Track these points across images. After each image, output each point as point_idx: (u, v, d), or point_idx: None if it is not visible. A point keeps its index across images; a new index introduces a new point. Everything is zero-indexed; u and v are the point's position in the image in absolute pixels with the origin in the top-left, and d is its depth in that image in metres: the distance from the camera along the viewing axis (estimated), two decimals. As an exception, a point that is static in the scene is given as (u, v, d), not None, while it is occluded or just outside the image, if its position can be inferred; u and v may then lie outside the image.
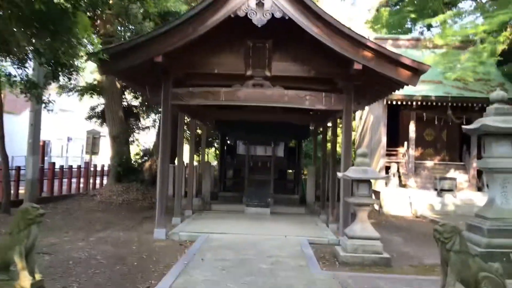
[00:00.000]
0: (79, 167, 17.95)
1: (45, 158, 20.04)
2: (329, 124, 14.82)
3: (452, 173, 17.04)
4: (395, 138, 17.59)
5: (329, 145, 13.57)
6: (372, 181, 7.78)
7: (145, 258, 7.30)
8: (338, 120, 12.50)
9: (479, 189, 16.43)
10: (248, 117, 13.48)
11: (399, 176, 16.70)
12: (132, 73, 9.42)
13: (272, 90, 9.37)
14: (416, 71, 8.43)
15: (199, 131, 19.07)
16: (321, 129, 14.60)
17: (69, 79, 9.47)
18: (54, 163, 16.65)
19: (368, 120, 19.72)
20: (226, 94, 9.34)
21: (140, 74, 9.59)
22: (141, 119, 19.64)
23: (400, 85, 9.01)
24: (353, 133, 23.41)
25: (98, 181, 19.29)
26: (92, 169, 18.23)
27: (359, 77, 9.17)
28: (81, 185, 17.72)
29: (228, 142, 18.46)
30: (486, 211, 7.21)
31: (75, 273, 6.21)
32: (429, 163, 17.54)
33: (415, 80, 8.52)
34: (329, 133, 14.86)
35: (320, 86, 9.91)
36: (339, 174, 7.98)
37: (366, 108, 18.30)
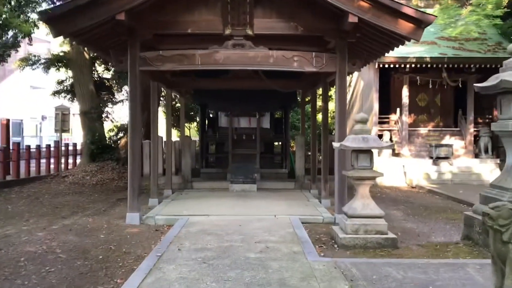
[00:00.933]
0: (48, 146, 16.67)
1: (13, 138, 18.71)
2: (319, 92, 13.84)
3: (447, 140, 16.26)
4: (387, 104, 16.66)
5: (319, 115, 12.57)
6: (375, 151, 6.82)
7: (113, 249, 6.29)
8: (330, 87, 11.47)
9: (476, 155, 15.71)
10: (229, 85, 12.31)
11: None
12: (92, 35, 8.17)
13: (255, 51, 8.24)
14: (420, 22, 7.38)
15: (178, 104, 17.88)
16: (309, 96, 13.55)
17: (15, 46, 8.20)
18: (18, 144, 15.38)
19: (358, 86, 18.71)
20: (203, 57, 8.20)
21: (102, 36, 8.35)
22: (115, 93, 18.32)
23: (400, 41, 7.96)
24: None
25: (71, 160, 18.08)
26: (63, 148, 16.99)
27: (354, 33, 8.12)
28: (52, 166, 16.52)
29: (210, 114, 17.30)
30: (504, 180, 6.33)
31: (25, 273, 5.18)
32: (423, 130, 16.71)
33: (419, 34, 7.48)
34: (319, 101, 13.84)
35: (310, 46, 8.80)
36: (335, 144, 6.99)
37: (355, 73, 17.30)
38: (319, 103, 14.90)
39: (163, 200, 10.55)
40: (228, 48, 8.28)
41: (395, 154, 15.75)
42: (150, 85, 10.81)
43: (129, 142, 8.50)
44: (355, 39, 8.32)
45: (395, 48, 8.59)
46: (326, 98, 10.96)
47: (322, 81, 10.53)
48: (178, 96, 15.27)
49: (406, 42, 8.06)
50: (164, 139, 13.27)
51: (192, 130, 26.45)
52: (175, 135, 19.11)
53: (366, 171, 6.44)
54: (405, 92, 15.92)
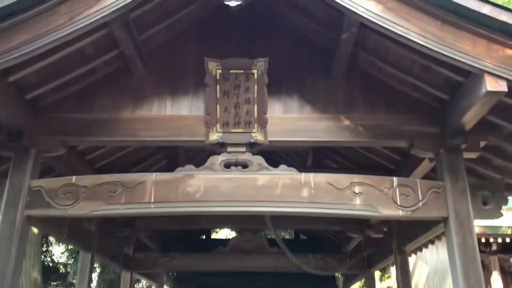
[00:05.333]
0: None
1: None
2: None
3: None
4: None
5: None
6: None
7: None
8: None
9: None
10: (225, 264, 7.73)
11: None
12: None
13: (271, 174, 4.08)
14: None
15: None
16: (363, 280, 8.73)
17: None
18: None
19: (418, 270, 13.82)
20: (161, 187, 4.01)
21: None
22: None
23: None
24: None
25: None
26: None
27: (481, 134, 4.06)
28: None
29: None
30: None
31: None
32: None
33: None
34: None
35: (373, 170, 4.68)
36: None
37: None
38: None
39: None
40: (214, 170, 4.14)
41: None
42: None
43: None
44: (478, 151, 4.20)
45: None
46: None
47: (398, 245, 5.96)
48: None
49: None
50: None
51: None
52: None
53: None
54: (496, 279, 10.98)
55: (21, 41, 3.43)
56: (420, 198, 3.97)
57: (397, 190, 4.00)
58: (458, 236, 3.85)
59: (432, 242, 6.50)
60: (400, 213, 3.95)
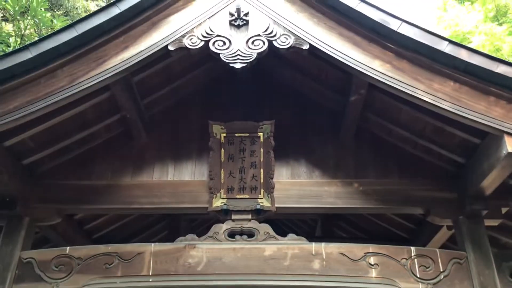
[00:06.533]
0: None
1: None
2: None
3: None
4: None
5: None
6: None
7: None
8: None
9: None
10: None
11: None
12: None
13: (278, 244, 3.82)
14: None
15: None
16: None
17: None
18: None
19: None
20: (159, 258, 3.73)
21: None
22: None
23: None
24: None
25: None
26: None
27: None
28: None
29: None
30: None
31: None
32: None
33: None
34: None
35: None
36: None
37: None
38: None
39: None
40: (218, 240, 3.88)
41: None
42: None
43: None
44: (500, 218, 3.95)
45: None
46: None
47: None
48: None
49: None
50: None
51: None
52: None
53: None
54: None
55: (19, 103, 3.36)
56: (441, 270, 3.67)
57: (416, 261, 3.70)
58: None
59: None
60: (420, 286, 3.63)
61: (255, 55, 3.57)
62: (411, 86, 3.36)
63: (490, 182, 3.56)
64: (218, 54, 3.60)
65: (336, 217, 6.18)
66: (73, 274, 3.72)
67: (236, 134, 4.12)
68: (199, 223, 6.79)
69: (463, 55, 3.33)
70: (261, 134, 4.10)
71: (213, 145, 4.12)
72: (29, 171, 4.11)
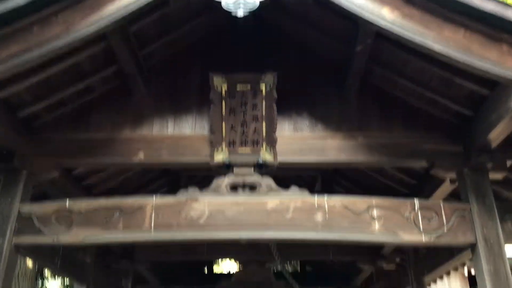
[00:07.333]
0: None
1: None
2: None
3: None
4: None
5: None
6: None
7: None
8: None
9: None
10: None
11: None
12: None
13: (281, 197, 3.79)
14: None
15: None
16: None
17: None
18: None
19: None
20: (161, 211, 3.71)
21: None
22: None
23: None
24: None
25: None
26: None
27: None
28: None
29: None
30: None
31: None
32: None
33: None
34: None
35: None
36: None
37: None
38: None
39: None
40: (220, 193, 3.85)
41: None
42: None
43: None
44: (505, 170, 3.92)
45: None
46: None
47: (416, 275, 5.58)
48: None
49: None
50: None
51: None
52: None
53: None
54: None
55: (12, 52, 3.20)
56: (445, 222, 3.67)
57: (419, 213, 3.70)
58: (489, 263, 3.52)
59: (448, 273, 6.11)
60: (423, 238, 3.64)
61: (258, 3, 3.42)
62: (420, 34, 3.23)
63: (497, 134, 3.50)
64: (219, 2, 3.44)
65: (336, 174, 6.16)
66: (73, 228, 3.70)
67: (238, 87, 4.01)
68: (199, 180, 6.76)
69: (475, 1, 3.19)
70: (263, 86, 3.99)
71: (214, 98, 4.01)
72: (25, 125, 4.01)
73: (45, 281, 13.20)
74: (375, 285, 7.01)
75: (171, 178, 6.11)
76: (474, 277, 9.79)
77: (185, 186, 5.52)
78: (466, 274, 10.00)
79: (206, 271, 10.55)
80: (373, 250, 6.72)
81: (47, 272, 12.91)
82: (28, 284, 12.22)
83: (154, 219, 3.70)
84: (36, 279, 12.76)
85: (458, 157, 3.92)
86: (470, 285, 10.47)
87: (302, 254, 7.76)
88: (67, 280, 12.68)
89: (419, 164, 4.18)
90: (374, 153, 4.03)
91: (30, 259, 8.44)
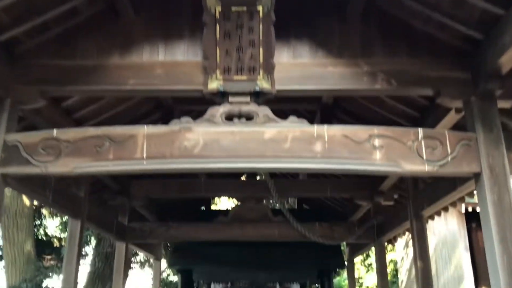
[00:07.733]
0: None
1: None
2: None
3: None
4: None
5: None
6: None
7: None
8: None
9: None
10: (227, 234, 7.32)
11: None
12: None
13: (278, 127, 3.63)
14: None
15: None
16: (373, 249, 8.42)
17: None
18: None
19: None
20: (155, 141, 3.55)
21: None
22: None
23: None
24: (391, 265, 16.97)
25: None
26: None
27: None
28: None
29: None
30: None
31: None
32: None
33: None
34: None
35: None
36: None
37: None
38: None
39: None
40: (214, 123, 3.68)
41: None
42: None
43: None
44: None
45: None
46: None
47: (415, 209, 5.54)
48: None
49: None
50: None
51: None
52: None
53: None
54: None
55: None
56: (449, 152, 3.52)
57: (423, 142, 3.55)
58: (493, 193, 3.41)
59: (446, 209, 6.08)
60: (426, 168, 3.50)
61: None
62: None
63: (510, 57, 3.28)
64: None
65: (336, 108, 5.98)
66: (62, 158, 3.54)
67: (233, 9, 3.73)
68: (195, 115, 6.59)
69: None
70: (261, 7, 3.70)
71: (207, 20, 3.73)
72: (6, 50, 3.76)
73: (43, 220, 13.36)
74: (372, 220, 7.01)
75: (165, 112, 5.93)
76: (470, 214, 9.97)
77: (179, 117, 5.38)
78: (463, 211, 10.22)
79: (204, 209, 10.61)
80: (371, 186, 6.67)
81: (45, 211, 13.04)
82: (26, 222, 12.37)
83: (146, 149, 3.55)
84: (34, 219, 12.89)
85: (465, 84, 3.72)
86: (467, 222, 10.68)
87: (299, 191, 7.77)
88: (65, 219, 12.79)
89: (425, 92, 3.98)
90: (378, 81, 3.82)
91: (22, 194, 8.45)
